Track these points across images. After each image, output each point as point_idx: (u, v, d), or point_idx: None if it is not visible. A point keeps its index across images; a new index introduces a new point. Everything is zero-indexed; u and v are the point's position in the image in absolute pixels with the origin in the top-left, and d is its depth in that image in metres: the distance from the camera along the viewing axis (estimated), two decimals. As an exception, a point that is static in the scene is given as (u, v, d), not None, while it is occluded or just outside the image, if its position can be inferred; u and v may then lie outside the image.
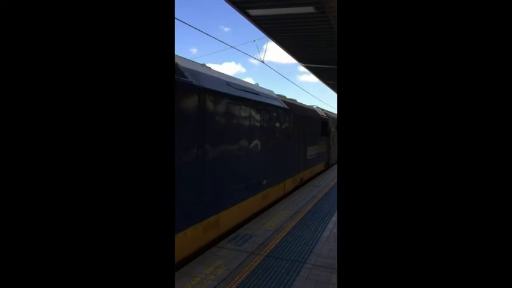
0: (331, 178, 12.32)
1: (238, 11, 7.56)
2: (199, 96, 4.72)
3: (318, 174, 13.45)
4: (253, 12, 7.69)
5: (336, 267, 1.43)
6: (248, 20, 8.23)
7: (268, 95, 8.24)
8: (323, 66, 13.31)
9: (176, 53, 5.11)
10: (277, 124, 8.14)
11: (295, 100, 11.41)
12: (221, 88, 5.52)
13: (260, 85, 8.71)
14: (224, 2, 7.13)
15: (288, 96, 10.70)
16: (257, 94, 7.26)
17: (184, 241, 4.35)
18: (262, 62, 11.90)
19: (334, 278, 3.99)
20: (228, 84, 6.00)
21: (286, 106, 8.99)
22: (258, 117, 6.95)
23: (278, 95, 9.60)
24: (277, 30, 9.34)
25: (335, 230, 5.83)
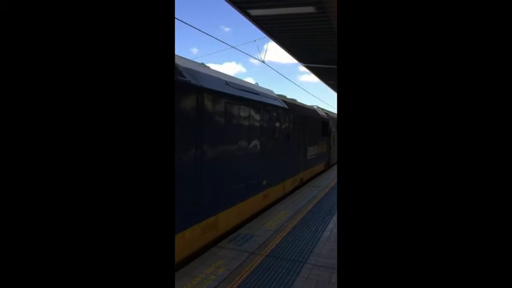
0: (331, 178, 12.31)
1: (238, 11, 7.56)
2: (198, 96, 4.68)
3: (319, 174, 13.42)
4: (254, 12, 7.68)
5: (336, 267, 1.43)
6: (249, 20, 8.23)
7: (268, 94, 8.20)
8: (323, 66, 13.31)
9: (177, 53, 5.10)
10: (277, 124, 8.10)
11: (295, 100, 11.36)
12: (220, 88, 5.48)
13: (261, 85, 8.70)
14: (225, 2, 7.14)
15: (288, 96, 10.69)
16: (257, 94, 7.22)
17: (183, 242, 4.32)
18: (263, 62, 11.90)
19: (334, 278, 3.99)
20: (227, 83, 5.95)
21: (286, 106, 8.95)
22: (257, 117, 6.90)
23: (278, 94, 9.55)
24: (277, 30, 9.33)
25: (335, 230, 5.83)
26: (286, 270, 4.18)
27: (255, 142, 6.80)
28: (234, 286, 3.76)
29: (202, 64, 6.00)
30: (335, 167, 15.86)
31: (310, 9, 7.28)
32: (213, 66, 6.61)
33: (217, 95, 5.26)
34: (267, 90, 8.67)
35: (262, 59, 11.83)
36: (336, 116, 17.23)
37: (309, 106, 13.34)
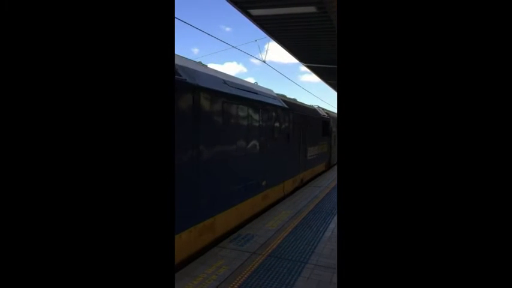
0: (332, 178, 12.30)
1: (239, 11, 7.55)
2: (194, 95, 4.61)
3: (319, 174, 13.37)
4: (255, 12, 7.68)
5: (336, 267, 1.42)
6: (249, 19, 8.22)
7: (267, 94, 8.10)
8: (324, 66, 13.30)
9: (177, 53, 5.08)
10: (277, 124, 8.01)
11: (295, 99, 11.27)
12: (217, 87, 5.40)
13: (262, 85, 8.66)
14: (225, 2, 7.13)
15: (288, 96, 10.66)
16: (255, 93, 7.12)
17: (179, 245, 4.24)
18: (264, 62, 11.90)
19: (336, 278, 3.98)
20: (225, 82, 5.87)
21: (285, 105, 8.86)
22: (256, 116, 6.82)
23: (278, 94, 9.46)
24: (278, 30, 9.33)
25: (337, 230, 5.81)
26: (288, 270, 4.18)
27: (254, 142, 6.72)
28: (235, 286, 3.75)
29: (200, 63, 5.90)
30: (336, 167, 15.84)
31: (311, 9, 7.27)
32: (214, 66, 6.57)
33: (214, 94, 5.18)
34: (267, 89, 8.58)
35: (263, 59, 11.84)
36: (336, 115, 17.18)
37: (309, 106, 13.24)
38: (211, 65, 6.34)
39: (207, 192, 4.96)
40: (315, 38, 9.91)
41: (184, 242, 4.39)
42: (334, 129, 16.17)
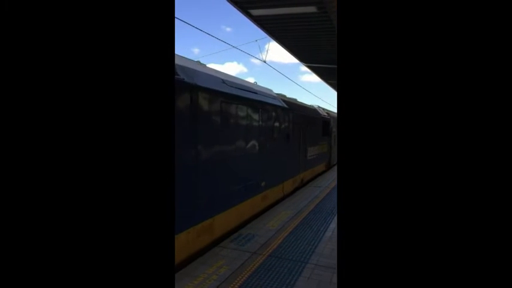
0: (332, 178, 12.30)
1: (240, 11, 7.56)
2: (192, 94, 4.55)
3: (319, 174, 13.32)
4: (255, 12, 7.68)
5: (336, 267, 1.43)
6: (250, 20, 8.22)
7: (267, 93, 8.02)
8: (325, 65, 13.29)
9: (178, 53, 5.07)
10: (276, 124, 7.95)
11: (295, 99, 11.20)
12: (215, 86, 5.33)
13: (262, 85, 8.63)
14: (226, 2, 7.14)
15: (288, 96, 10.64)
16: (255, 93, 7.05)
17: (177, 246, 4.17)
18: (264, 61, 11.90)
19: (336, 278, 3.98)
20: (224, 82, 5.80)
21: (285, 105, 8.78)
22: (255, 116, 6.74)
23: (277, 94, 9.39)
24: (279, 30, 9.32)
25: (337, 230, 5.80)
26: (288, 270, 4.18)
27: (253, 142, 6.63)
28: (236, 286, 3.76)
29: (198, 62, 5.81)
30: (336, 168, 15.82)
31: (311, 9, 7.27)
32: (215, 66, 6.52)
33: (212, 93, 5.11)
34: (266, 89, 8.50)
35: (264, 59, 11.85)
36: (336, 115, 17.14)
37: (310, 105, 13.17)
38: (211, 65, 6.31)
39: (204, 193, 4.89)
40: (315, 38, 9.90)
41: (183, 243, 4.35)
42: (335, 129, 16.13)
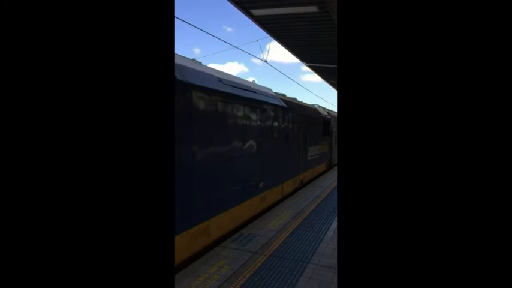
0: (333, 178, 12.28)
1: (241, 11, 7.56)
2: (186, 93, 4.45)
3: (320, 175, 13.23)
4: (256, 12, 7.68)
5: (336, 267, 1.42)
6: (251, 19, 8.22)
7: (266, 93, 7.88)
8: (326, 65, 13.29)
9: (179, 53, 5.05)
10: (276, 124, 7.81)
11: (295, 99, 11.06)
12: (211, 85, 5.19)
13: (264, 85, 8.56)
14: (227, 2, 7.14)
15: (289, 95, 10.59)
16: (253, 92, 6.92)
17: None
18: (265, 61, 11.91)
19: (337, 278, 3.98)
20: (220, 80, 5.66)
21: (285, 105, 8.64)
22: (253, 116, 6.59)
23: (277, 93, 9.26)
24: (280, 30, 9.33)
25: (338, 230, 5.79)
26: (290, 270, 4.18)
27: (251, 142, 6.47)
28: (237, 286, 3.76)
29: (194, 60, 5.66)
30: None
31: (312, 8, 7.27)
32: (215, 66, 6.43)
33: (208, 92, 4.96)
34: (265, 88, 8.37)
35: (265, 58, 11.86)
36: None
37: (310, 105, 13.05)
38: (212, 65, 6.26)
39: (199, 196, 4.75)
40: (317, 38, 9.90)
41: (177, 246, 4.23)
42: (335, 128, 16.06)
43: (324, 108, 15.59)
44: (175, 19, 6.74)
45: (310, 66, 14.29)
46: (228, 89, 5.70)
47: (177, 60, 4.69)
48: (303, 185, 10.66)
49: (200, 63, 5.80)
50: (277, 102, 8.15)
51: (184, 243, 4.37)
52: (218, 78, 5.68)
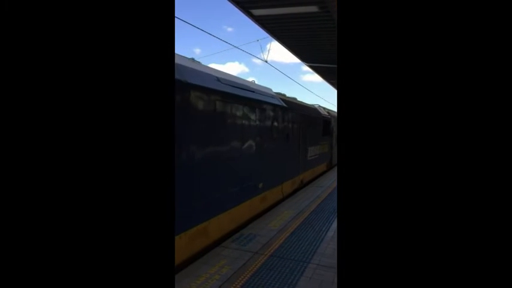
0: (334, 179, 12.28)
1: (241, 10, 7.56)
2: (183, 93, 4.39)
3: (320, 175, 13.16)
4: (257, 12, 7.68)
5: (336, 267, 1.42)
6: (251, 19, 8.23)
7: (265, 92, 7.79)
8: (327, 65, 13.29)
9: (179, 53, 5.03)
10: (275, 123, 7.73)
11: (295, 98, 10.99)
12: (209, 84, 5.10)
13: (265, 85, 8.53)
14: (227, 2, 7.15)
15: (290, 95, 10.57)
16: (252, 91, 6.84)
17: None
18: (266, 61, 11.92)
19: (338, 278, 3.97)
20: (219, 80, 5.57)
21: (284, 104, 8.55)
22: (252, 116, 6.50)
23: (277, 93, 9.18)
24: (280, 30, 9.33)
25: (339, 230, 5.79)
26: (290, 270, 4.18)
27: (250, 142, 6.37)
28: (238, 286, 3.76)
29: (192, 59, 5.60)
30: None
31: (313, 8, 7.28)
32: (216, 66, 6.40)
33: (206, 91, 4.88)
34: (265, 88, 8.30)
35: (265, 58, 11.87)
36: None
37: (310, 105, 12.96)
38: (213, 65, 6.22)
39: (196, 197, 4.65)
40: (317, 38, 9.91)
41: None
42: (336, 128, 16.02)
43: (324, 108, 15.55)
44: (176, 19, 6.73)
45: (310, 66, 14.29)
46: (226, 89, 5.63)
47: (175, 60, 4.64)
48: (303, 185, 10.62)
49: (199, 62, 5.74)
50: (276, 102, 8.07)
51: (182, 245, 4.33)
52: (216, 77, 5.61)
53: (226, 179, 5.58)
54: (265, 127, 7.14)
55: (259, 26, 8.80)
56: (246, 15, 7.86)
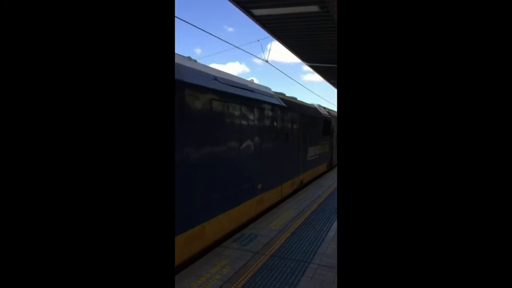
0: (335, 179, 12.27)
1: (242, 10, 7.57)
2: (178, 92, 4.30)
3: (320, 175, 13.09)
4: (257, 12, 7.69)
5: (336, 267, 1.42)
6: (252, 19, 8.23)
7: (264, 91, 7.71)
8: (327, 65, 13.29)
9: (180, 53, 5.02)
10: (274, 123, 7.65)
11: (294, 98, 10.90)
12: (205, 83, 5.00)
13: (265, 85, 8.49)
14: (228, 2, 7.14)
15: (291, 95, 10.53)
16: (251, 91, 6.75)
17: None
18: (267, 61, 11.92)
19: (339, 278, 3.97)
20: (215, 79, 5.48)
21: (283, 104, 8.46)
22: (251, 115, 6.39)
23: (276, 92, 9.11)
24: (281, 30, 9.33)
25: (340, 230, 5.78)
26: (291, 270, 4.18)
27: (248, 143, 6.27)
28: (239, 286, 3.76)
29: (189, 58, 5.52)
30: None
31: (313, 8, 7.28)
32: (217, 66, 6.35)
33: (201, 90, 4.77)
34: (264, 87, 8.22)
35: (266, 58, 11.86)
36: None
37: (310, 104, 12.87)
38: (213, 65, 6.18)
39: (192, 198, 4.53)
40: (318, 38, 9.91)
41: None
42: (336, 128, 15.95)
43: (324, 108, 15.49)
44: (176, 19, 6.71)
45: (311, 66, 14.29)
46: (223, 88, 5.53)
47: None
48: (303, 186, 10.56)
49: (195, 61, 5.65)
50: (275, 102, 7.98)
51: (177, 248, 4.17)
52: (213, 76, 5.52)
53: (223, 180, 5.46)
54: (263, 127, 7.04)
55: (259, 26, 8.80)
56: (247, 15, 7.86)
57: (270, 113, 7.45)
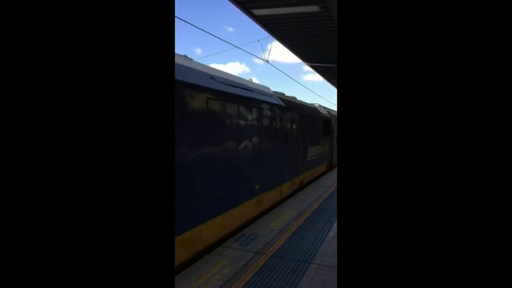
0: (335, 179, 12.26)
1: (242, 10, 7.57)
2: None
3: (320, 176, 13.02)
4: (258, 12, 7.68)
5: (336, 267, 1.42)
6: (252, 19, 8.23)
7: (263, 91, 7.61)
8: (327, 65, 13.28)
9: (181, 53, 5.01)
10: (273, 123, 7.57)
11: (294, 97, 10.80)
12: (201, 82, 4.88)
13: (266, 85, 8.45)
14: (228, 2, 7.15)
15: (291, 95, 10.50)
16: (249, 90, 6.65)
17: None
18: (267, 61, 11.91)
19: (340, 278, 3.97)
20: (212, 77, 5.37)
21: (283, 103, 8.37)
22: (249, 115, 6.29)
23: (275, 92, 9.02)
24: (281, 30, 9.33)
25: (341, 230, 5.77)
26: (292, 270, 4.18)
27: (246, 143, 6.17)
28: (239, 286, 3.76)
29: (185, 56, 5.43)
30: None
31: (314, 8, 7.28)
32: (217, 66, 6.30)
33: (197, 89, 4.67)
34: (262, 86, 8.12)
35: (266, 58, 11.86)
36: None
37: (310, 104, 12.77)
38: (214, 65, 6.13)
39: (188, 200, 4.43)
40: (318, 38, 9.90)
41: None
42: (336, 128, 15.90)
43: (324, 107, 15.44)
44: (176, 19, 6.69)
45: (311, 66, 14.29)
46: (220, 87, 5.43)
47: None
48: (303, 186, 10.50)
49: (191, 59, 5.55)
50: (274, 101, 7.89)
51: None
52: (210, 75, 5.42)
53: (220, 181, 5.37)
54: (262, 127, 6.95)
55: (260, 26, 8.79)
56: (247, 15, 7.86)
57: (269, 113, 7.37)
